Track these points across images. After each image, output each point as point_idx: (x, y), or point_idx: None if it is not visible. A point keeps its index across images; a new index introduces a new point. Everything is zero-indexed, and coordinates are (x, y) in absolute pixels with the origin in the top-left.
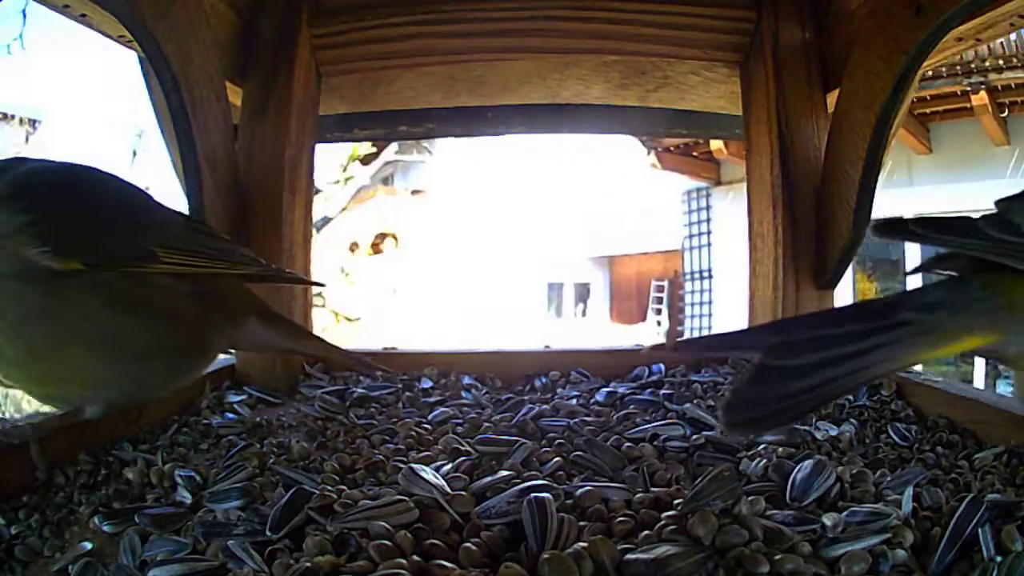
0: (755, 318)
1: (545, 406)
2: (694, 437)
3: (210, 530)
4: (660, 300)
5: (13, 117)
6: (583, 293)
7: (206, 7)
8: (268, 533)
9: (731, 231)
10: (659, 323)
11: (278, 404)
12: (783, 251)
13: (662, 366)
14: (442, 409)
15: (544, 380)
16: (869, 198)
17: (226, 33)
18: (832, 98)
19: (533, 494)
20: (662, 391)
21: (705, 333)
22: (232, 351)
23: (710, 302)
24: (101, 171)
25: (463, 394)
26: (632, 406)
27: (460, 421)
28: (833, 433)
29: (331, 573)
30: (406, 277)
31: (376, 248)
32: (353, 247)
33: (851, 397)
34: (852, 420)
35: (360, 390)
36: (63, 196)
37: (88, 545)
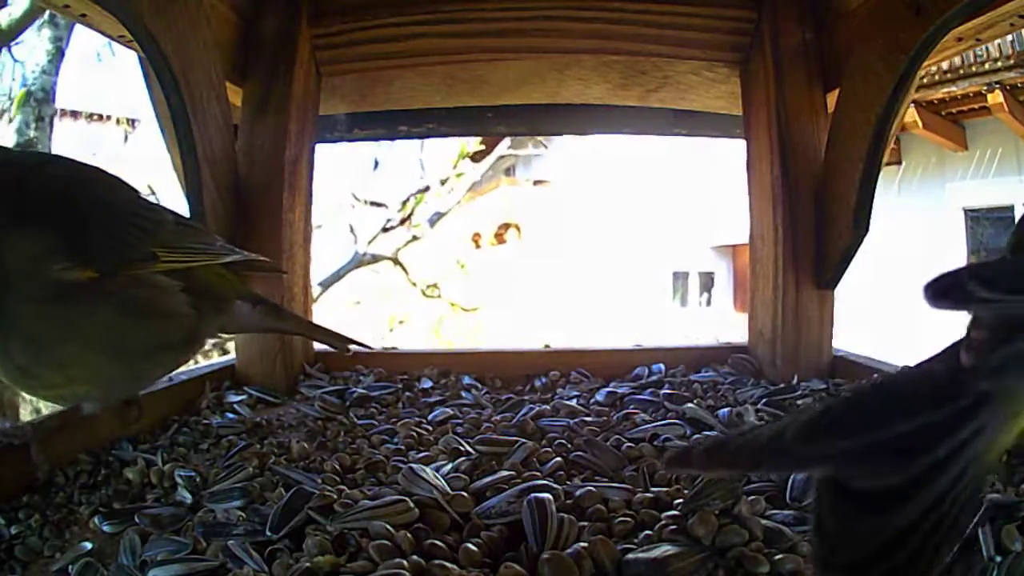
0: (755, 318)
1: (545, 406)
2: (694, 437)
3: (210, 530)
4: None
5: (109, 118)
6: (707, 282)
7: (206, 7)
8: (268, 533)
9: None
10: None
11: (278, 404)
12: (783, 251)
13: (662, 366)
14: (442, 409)
15: (544, 380)
16: (869, 198)
17: (226, 33)
18: (832, 98)
19: (533, 494)
20: (662, 391)
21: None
22: (232, 353)
23: None
24: (105, 173)
25: (463, 394)
26: (632, 406)
27: (460, 421)
28: None
29: (331, 573)
30: (528, 267)
31: (499, 238)
32: (476, 238)
33: None
34: None
35: (360, 390)
36: (79, 206)
37: (88, 545)
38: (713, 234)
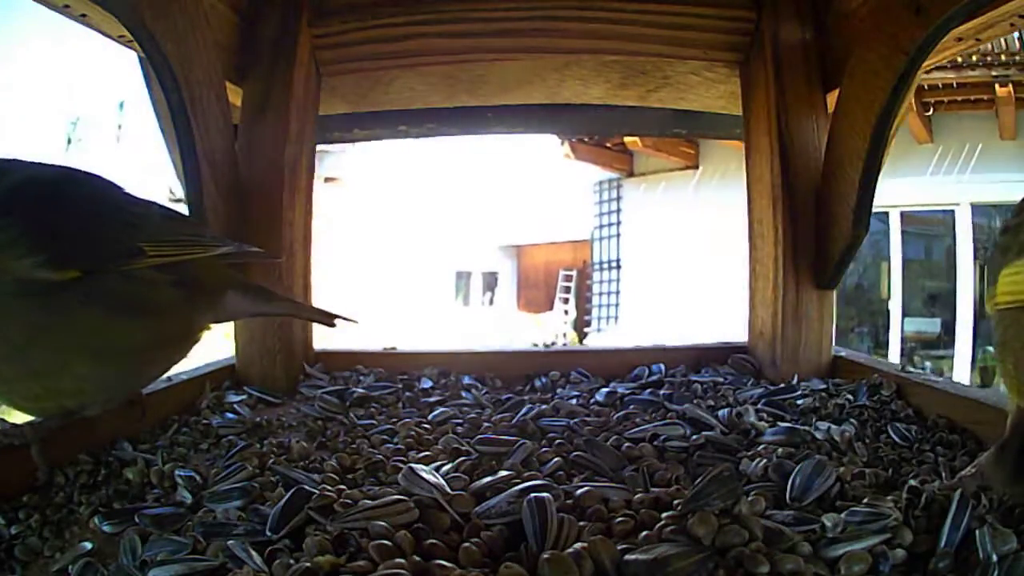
0: (755, 318)
1: (545, 406)
2: (694, 437)
3: (210, 530)
4: (568, 290)
5: None
6: (491, 282)
7: (206, 7)
8: (268, 533)
9: (641, 222)
10: (566, 312)
11: (278, 404)
12: (783, 251)
13: (662, 366)
14: (442, 409)
15: (544, 380)
16: (869, 198)
17: (226, 33)
18: (832, 98)
19: (533, 494)
20: (662, 391)
21: (612, 323)
22: (234, 354)
23: (618, 292)
24: (87, 173)
25: (463, 394)
26: (632, 406)
27: (460, 421)
28: (833, 433)
29: (331, 573)
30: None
31: None
32: None
33: (851, 397)
34: (852, 420)
35: (360, 390)
36: (53, 204)
37: (88, 545)
38: (501, 234)
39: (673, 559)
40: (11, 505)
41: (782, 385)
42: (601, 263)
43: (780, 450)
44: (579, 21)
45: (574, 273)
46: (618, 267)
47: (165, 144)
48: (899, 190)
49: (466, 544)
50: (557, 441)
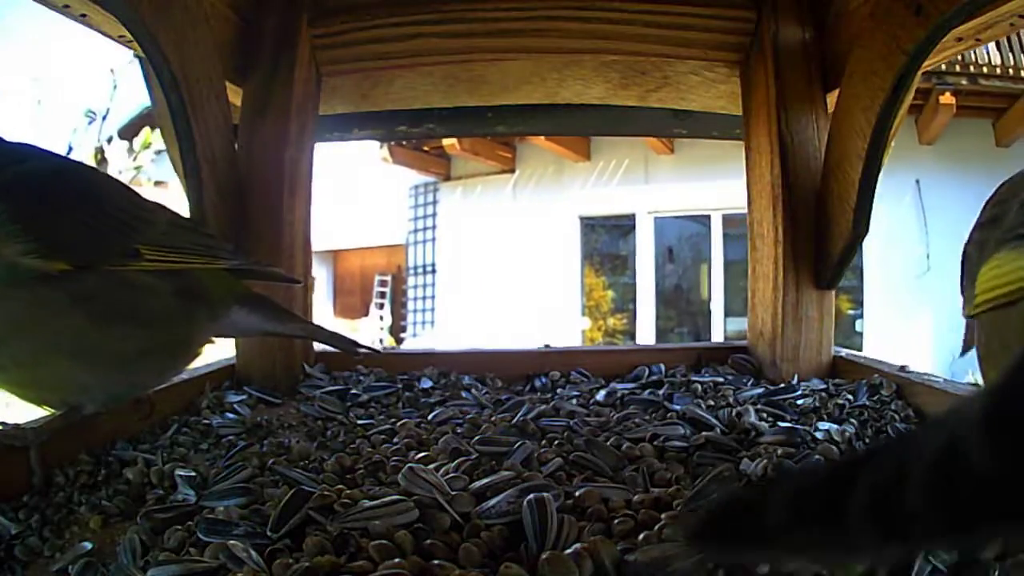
0: (755, 318)
1: (545, 406)
2: (694, 437)
3: (210, 530)
4: (383, 295)
5: None
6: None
7: (206, 7)
8: (268, 533)
9: (458, 226)
10: (382, 318)
11: (278, 404)
12: (783, 251)
13: (662, 366)
14: (442, 409)
15: (544, 380)
16: (869, 198)
17: (226, 33)
18: (832, 98)
19: (533, 494)
20: (662, 391)
21: (428, 327)
22: (234, 354)
23: (433, 297)
24: (93, 169)
25: (463, 394)
26: (632, 406)
27: (460, 421)
28: (833, 433)
29: (331, 573)
30: None
31: None
32: None
33: (851, 397)
34: (852, 420)
35: (360, 390)
36: (51, 194)
37: (88, 545)
38: (314, 239)
39: (673, 559)
40: (11, 505)
41: (782, 385)
42: (416, 268)
43: (780, 450)
44: (579, 21)
45: (389, 278)
46: (433, 272)
47: (165, 144)
48: (722, 193)
49: (466, 544)
50: (557, 441)
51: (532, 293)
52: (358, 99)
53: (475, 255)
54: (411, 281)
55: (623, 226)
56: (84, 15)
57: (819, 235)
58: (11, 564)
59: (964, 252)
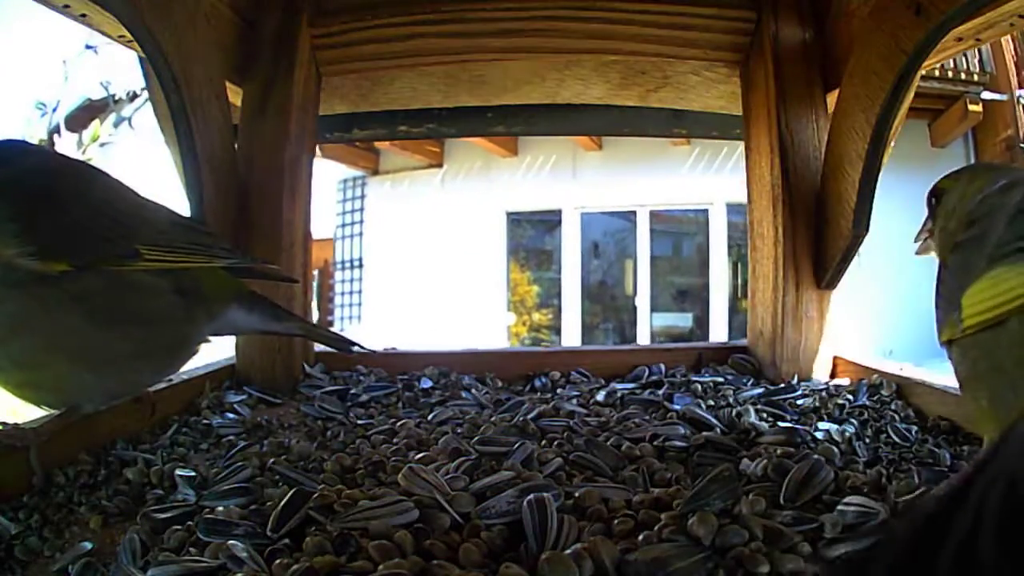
0: (755, 318)
1: (545, 406)
2: (694, 437)
3: (210, 530)
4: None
5: None
6: None
7: (206, 7)
8: (268, 533)
9: (385, 221)
10: None
11: (278, 404)
12: (783, 251)
13: (662, 366)
14: (442, 409)
15: (544, 380)
16: (869, 198)
17: (226, 33)
18: (832, 98)
19: (533, 494)
20: (662, 391)
21: (355, 322)
22: (234, 354)
23: (360, 291)
24: (96, 169)
25: (463, 394)
26: (632, 406)
27: (460, 421)
28: (833, 433)
29: (331, 573)
30: None
31: None
32: None
33: (851, 397)
34: (852, 420)
35: (360, 390)
36: (50, 197)
37: (88, 545)
38: None
39: (673, 559)
40: (11, 505)
41: (782, 385)
42: (343, 262)
43: (780, 450)
44: (579, 21)
45: (316, 273)
46: (360, 266)
47: (165, 144)
48: (650, 189)
49: (466, 544)
50: (557, 441)
51: (458, 288)
52: (358, 99)
53: (402, 250)
54: (338, 276)
55: (549, 221)
56: (84, 15)
57: (819, 235)
58: (11, 564)
59: (938, 278)
